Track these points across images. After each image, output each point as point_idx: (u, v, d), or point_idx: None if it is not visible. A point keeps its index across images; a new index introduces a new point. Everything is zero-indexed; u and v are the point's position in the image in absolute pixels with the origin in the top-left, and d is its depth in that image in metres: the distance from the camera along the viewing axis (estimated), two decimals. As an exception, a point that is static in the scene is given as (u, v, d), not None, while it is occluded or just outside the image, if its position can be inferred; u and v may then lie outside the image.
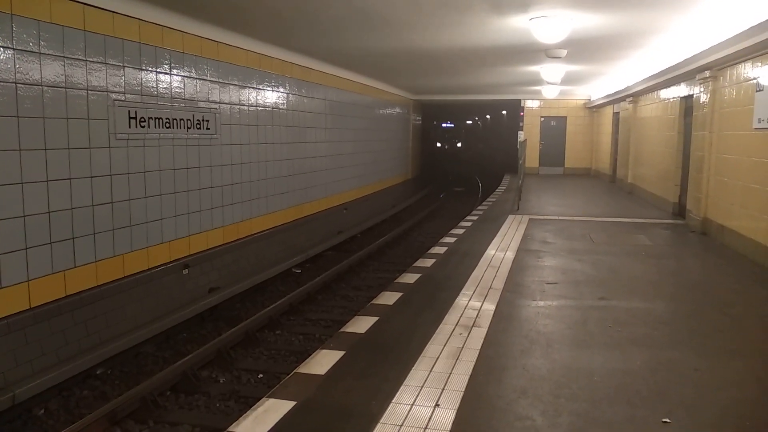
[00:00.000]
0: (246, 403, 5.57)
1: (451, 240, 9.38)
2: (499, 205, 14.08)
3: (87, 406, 5.66)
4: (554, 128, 24.10)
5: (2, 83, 5.30)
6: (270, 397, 3.73)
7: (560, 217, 11.91)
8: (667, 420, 3.54)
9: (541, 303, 5.97)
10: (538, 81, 16.47)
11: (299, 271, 10.77)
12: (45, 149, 5.79)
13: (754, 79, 8.12)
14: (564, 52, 10.58)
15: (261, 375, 6.44)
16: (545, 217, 11.96)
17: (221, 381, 6.31)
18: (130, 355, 6.74)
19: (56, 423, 5.40)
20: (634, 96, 15.75)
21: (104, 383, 6.15)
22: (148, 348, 6.99)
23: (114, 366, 6.47)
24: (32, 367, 5.63)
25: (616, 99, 17.80)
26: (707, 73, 9.70)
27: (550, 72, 13.88)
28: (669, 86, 12.66)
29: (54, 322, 5.93)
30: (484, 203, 14.90)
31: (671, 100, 12.63)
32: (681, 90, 11.74)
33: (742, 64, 8.59)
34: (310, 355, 4.59)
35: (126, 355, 6.67)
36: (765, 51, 7.68)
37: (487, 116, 35.51)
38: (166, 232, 7.66)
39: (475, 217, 11.97)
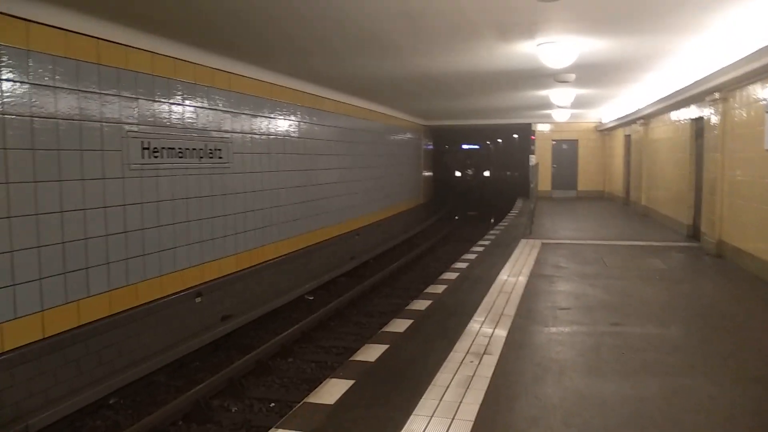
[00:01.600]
0: (257, 433, 5.54)
1: (463, 265, 9.35)
2: (512, 230, 14.04)
3: (99, 437, 5.66)
4: (566, 151, 24.09)
5: (19, 117, 5.43)
6: (279, 427, 3.71)
7: (573, 241, 11.84)
8: (682, 449, 3.48)
9: (554, 329, 5.92)
10: (548, 105, 16.52)
11: (312, 297, 10.77)
12: (60, 181, 5.89)
13: (765, 100, 8.10)
14: (572, 77, 10.63)
15: (273, 404, 6.42)
16: (558, 241, 11.90)
17: (233, 410, 6.30)
18: (143, 384, 6.76)
19: (68, 454, 5.40)
20: (645, 118, 15.74)
21: (117, 413, 6.16)
22: (160, 377, 7.00)
23: (127, 395, 6.49)
24: (46, 397, 5.66)
25: (627, 122, 17.80)
26: (717, 95, 9.69)
27: (560, 96, 13.93)
28: (679, 108, 12.64)
29: (68, 351, 5.96)
30: (496, 227, 14.87)
31: (682, 122, 12.61)
32: (692, 112, 11.72)
33: (752, 85, 8.57)
34: (322, 383, 4.57)
35: (139, 384, 6.68)
36: (774, 73, 7.67)
37: (499, 140, 35.59)
38: (179, 261, 7.71)
39: (487, 242, 11.94)
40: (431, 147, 25.37)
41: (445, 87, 12.44)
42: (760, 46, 7.16)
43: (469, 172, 33.43)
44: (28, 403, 5.48)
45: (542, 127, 24.06)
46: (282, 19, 6.56)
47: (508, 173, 31.66)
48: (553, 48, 7.87)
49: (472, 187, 31.35)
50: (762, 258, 8.18)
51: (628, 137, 19.02)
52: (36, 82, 5.62)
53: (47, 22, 5.69)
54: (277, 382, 7.06)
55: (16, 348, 5.41)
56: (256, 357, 7.41)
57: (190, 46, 7.71)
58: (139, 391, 6.64)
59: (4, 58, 5.30)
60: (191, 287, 7.93)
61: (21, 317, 5.48)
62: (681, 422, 3.85)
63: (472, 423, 3.79)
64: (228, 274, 8.79)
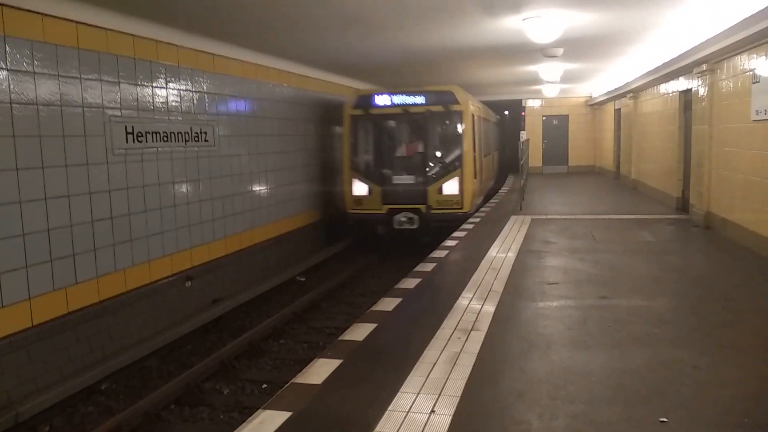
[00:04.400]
0: (250, 414, 5.57)
1: (453, 243, 9.37)
2: (502, 206, 14.05)
3: (92, 422, 5.69)
4: (556, 127, 24.05)
5: (-2, 104, 5.36)
6: (266, 408, 3.73)
7: (563, 216, 11.87)
8: (665, 419, 3.51)
9: (541, 304, 5.95)
10: (537, 80, 16.45)
11: (303, 279, 10.79)
12: (42, 167, 5.83)
13: (751, 70, 8.07)
14: (560, 51, 10.57)
15: (265, 385, 6.45)
16: (548, 216, 11.92)
17: (225, 392, 6.33)
18: (135, 368, 6.77)
19: (61, 439, 5.43)
20: (634, 92, 15.70)
21: (109, 398, 6.18)
22: (152, 362, 7.01)
23: (119, 380, 6.50)
24: (36, 385, 5.66)
25: (616, 95, 17.75)
26: (704, 67, 9.66)
27: (549, 71, 13.86)
28: (668, 81, 12.61)
29: (57, 339, 5.96)
30: (486, 205, 14.88)
31: (671, 95, 12.58)
32: (680, 84, 11.70)
33: (738, 56, 8.54)
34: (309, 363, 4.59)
35: (130, 369, 6.70)
36: (760, 42, 7.63)
37: None
38: (167, 245, 7.69)
39: (477, 219, 11.95)
40: None
41: (432, 63, 12.35)
42: (745, 16, 7.12)
43: None
44: (18, 391, 5.50)
45: (533, 103, 23.98)
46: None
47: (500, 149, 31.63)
48: (539, 22, 7.81)
49: None
50: (749, 228, 8.22)
51: (618, 111, 18.99)
52: (14, 68, 5.54)
53: (23, 7, 5.59)
54: (269, 363, 7.10)
55: (4, 337, 5.40)
56: (248, 339, 7.43)
57: (172, 28, 7.60)
58: (131, 375, 6.66)
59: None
60: (181, 271, 7.92)
61: (8, 305, 5.46)
62: (665, 393, 3.89)
63: (458, 398, 3.81)
64: (218, 257, 8.79)
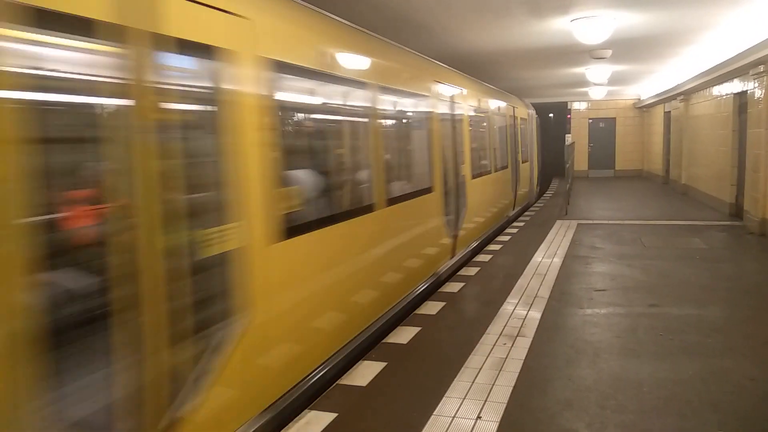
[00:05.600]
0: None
1: (497, 247, 9.27)
2: (547, 210, 13.85)
3: None
4: (603, 130, 23.60)
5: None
6: (312, 408, 3.76)
7: (610, 221, 11.63)
8: (720, 432, 3.41)
9: (589, 311, 5.84)
10: (584, 82, 16.18)
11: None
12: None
13: (812, 72, 7.77)
14: (609, 53, 10.38)
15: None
16: (594, 221, 11.70)
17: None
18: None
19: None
20: (685, 94, 15.28)
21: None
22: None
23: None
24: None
25: (666, 98, 17.31)
26: (761, 68, 9.33)
27: (596, 73, 13.62)
28: (721, 83, 12.23)
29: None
30: (531, 208, 14.69)
31: (724, 97, 12.20)
32: (734, 86, 11.33)
33: (799, 57, 8.24)
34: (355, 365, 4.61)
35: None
36: (822, 43, 7.35)
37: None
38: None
39: (521, 223, 11.81)
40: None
41: (477, 66, 12.27)
42: (807, 16, 6.87)
43: None
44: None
45: (578, 106, 23.59)
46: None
47: (545, 152, 31.24)
48: (588, 23, 7.69)
49: None
50: (808, 236, 7.90)
51: (667, 114, 18.52)
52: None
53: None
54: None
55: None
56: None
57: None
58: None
59: None
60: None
61: None
62: (719, 405, 3.76)
63: (504, 405, 3.77)
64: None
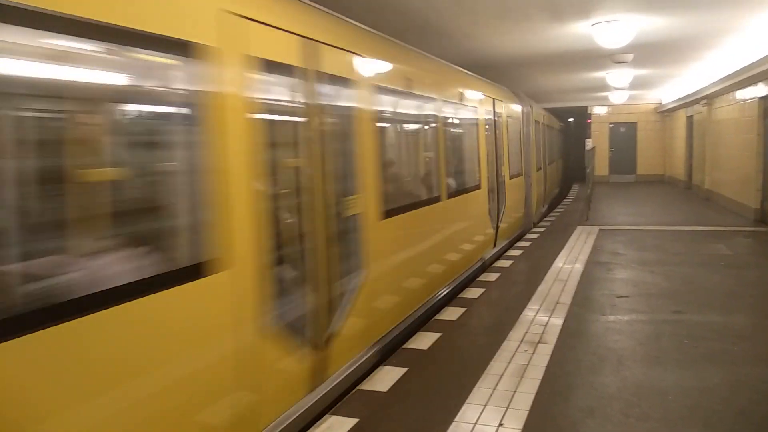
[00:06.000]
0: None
1: (517, 253, 9.22)
2: (567, 216, 13.75)
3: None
4: (624, 134, 23.40)
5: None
6: (333, 414, 3.76)
7: (632, 227, 11.50)
8: (748, 443, 3.34)
9: (611, 317, 5.77)
10: (604, 87, 16.05)
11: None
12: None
13: (840, 75, 7.63)
14: (630, 57, 10.29)
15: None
16: (616, 227, 11.58)
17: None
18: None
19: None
20: (708, 98, 15.09)
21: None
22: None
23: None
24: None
25: (689, 102, 17.11)
26: (787, 72, 9.19)
27: (617, 77, 13.51)
28: (746, 87, 12.05)
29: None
30: (551, 214, 14.58)
31: (748, 101, 12.02)
32: (759, 90, 11.16)
33: (826, 60, 8.09)
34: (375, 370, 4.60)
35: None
36: None
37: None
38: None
39: (541, 229, 11.73)
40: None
41: (496, 71, 12.23)
42: (835, 18, 6.75)
43: None
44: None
45: (599, 110, 23.41)
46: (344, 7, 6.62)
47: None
48: (609, 27, 7.63)
49: None
50: (837, 242, 7.74)
51: (690, 118, 18.30)
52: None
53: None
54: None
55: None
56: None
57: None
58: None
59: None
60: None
61: None
62: (746, 414, 3.69)
63: (527, 413, 3.74)
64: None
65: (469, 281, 7.25)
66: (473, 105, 8.11)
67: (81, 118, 2.55)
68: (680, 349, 4.88)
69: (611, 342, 5.07)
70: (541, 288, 6.92)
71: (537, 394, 4.02)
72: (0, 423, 1.98)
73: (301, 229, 3.73)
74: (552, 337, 5.16)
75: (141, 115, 2.97)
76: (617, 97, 19.42)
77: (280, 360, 3.42)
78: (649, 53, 10.20)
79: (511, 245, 9.97)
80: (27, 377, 2.07)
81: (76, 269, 2.39)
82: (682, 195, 17.63)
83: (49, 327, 2.10)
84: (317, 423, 3.65)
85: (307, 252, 3.74)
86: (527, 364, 4.55)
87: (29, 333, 2.04)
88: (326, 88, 4.02)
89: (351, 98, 4.45)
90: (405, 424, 3.66)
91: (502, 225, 9.31)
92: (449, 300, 6.46)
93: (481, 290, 6.89)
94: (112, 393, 2.36)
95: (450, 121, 7.14)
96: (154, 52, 2.70)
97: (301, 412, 3.54)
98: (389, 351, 4.82)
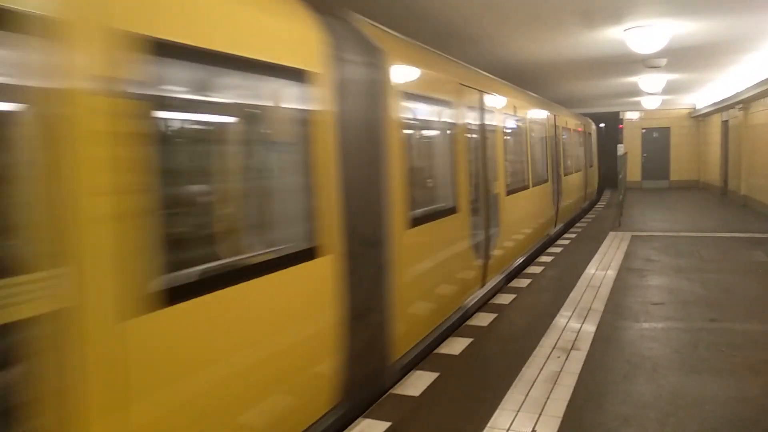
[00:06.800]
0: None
1: (548, 259, 9.14)
2: (599, 222, 13.58)
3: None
4: (657, 140, 23.03)
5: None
6: (365, 417, 3.78)
7: (666, 233, 11.31)
8: (790, 453, 3.26)
9: (646, 325, 5.69)
10: (637, 92, 15.86)
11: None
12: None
13: None
14: (663, 61, 10.16)
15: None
16: (649, 233, 11.40)
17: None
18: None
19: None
20: (744, 103, 14.79)
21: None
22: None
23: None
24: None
25: (724, 107, 16.78)
26: (827, 75, 8.97)
27: (650, 82, 13.34)
28: (784, 90, 11.80)
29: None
30: (582, 220, 14.42)
31: (787, 105, 11.75)
32: (798, 94, 10.91)
33: None
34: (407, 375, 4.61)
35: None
36: None
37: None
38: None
39: (573, 235, 11.61)
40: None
41: (527, 77, 12.18)
42: None
43: None
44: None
45: (631, 115, 23.09)
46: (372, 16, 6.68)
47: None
48: (642, 32, 7.56)
49: None
50: None
51: (725, 123, 17.94)
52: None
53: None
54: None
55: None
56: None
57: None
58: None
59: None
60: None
61: None
62: (789, 425, 3.61)
63: (560, 420, 3.71)
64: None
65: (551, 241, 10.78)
66: (542, 121, 10.76)
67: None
68: (718, 357, 4.79)
69: (646, 350, 4.99)
70: (573, 295, 6.85)
71: (570, 401, 3.98)
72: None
73: (477, 198, 6.46)
74: (585, 344, 5.11)
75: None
76: (650, 102, 19.15)
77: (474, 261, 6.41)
78: (682, 57, 10.06)
79: (567, 228, 12.77)
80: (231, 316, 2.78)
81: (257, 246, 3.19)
82: (718, 201, 17.28)
83: (240, 283, 2.81)
84: (350, 426, 3.67)
85: (481, 211, 6.58)
86: (560, 371, 4.51)
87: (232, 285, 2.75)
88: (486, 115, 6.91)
89: (492, 120, 7.21)
90: (438, 429, 3.66)
91: (561, 206, 12.30)
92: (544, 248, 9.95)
93: (512, 296, 6.85)
94: (259, 345, 2.97)
95: (532, 135, 9.87)
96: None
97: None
98: (511, 277, 7.72)
